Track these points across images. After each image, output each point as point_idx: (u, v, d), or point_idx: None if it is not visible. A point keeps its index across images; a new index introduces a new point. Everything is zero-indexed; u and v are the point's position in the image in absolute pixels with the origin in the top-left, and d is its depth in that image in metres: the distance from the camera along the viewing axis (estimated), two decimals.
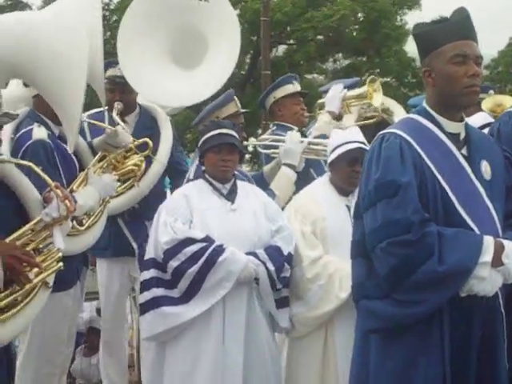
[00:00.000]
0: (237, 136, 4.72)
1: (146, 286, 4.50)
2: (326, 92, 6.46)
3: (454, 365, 3.30)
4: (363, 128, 5.23)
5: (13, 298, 3.45)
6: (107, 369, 5.96)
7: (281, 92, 6.08)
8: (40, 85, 4.37)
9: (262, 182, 5.42)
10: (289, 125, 5.89)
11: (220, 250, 4.37)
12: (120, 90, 5.67)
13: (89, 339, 7.88)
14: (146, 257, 4.56)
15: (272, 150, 5.68)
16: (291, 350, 4.76)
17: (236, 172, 4.87)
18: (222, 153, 4.61)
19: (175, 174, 5.81)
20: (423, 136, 3.39)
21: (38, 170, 3.70)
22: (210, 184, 4.65)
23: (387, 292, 3.31)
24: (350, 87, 6.08)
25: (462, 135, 3.48)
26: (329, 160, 4.72)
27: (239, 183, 4.74)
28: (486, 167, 3.45)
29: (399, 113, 5.96)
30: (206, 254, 4.35)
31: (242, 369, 4.39)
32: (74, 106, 4.10)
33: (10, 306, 3.46)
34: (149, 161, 5.46)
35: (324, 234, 4.59)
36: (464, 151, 3.44)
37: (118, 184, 5.08)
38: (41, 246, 3.66)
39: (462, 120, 3.49)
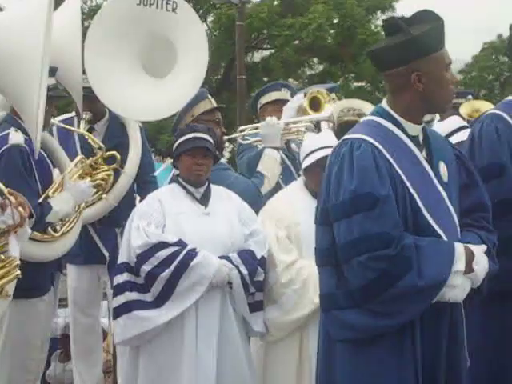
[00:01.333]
0: (211, 140, 4.70)
1: (119, 290, 4.48)
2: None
3: (425, 368, 3.29)
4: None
5: None
6: (80, 373, 5.93)
7: (266, 98, 6.18)
8: (1, 88, 4.33)
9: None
10: None
11: (193, 253, 4.36)
12: (87, 99, 5.58)
13: (63, 345, 7.83)
14: (119, 261, 4.53)
15: (253, 140, 5.72)
16: (267, 355, 4.73)
17: (223, 163, 4.90)
18: (197, 157, 4.59)
19: (141, 185, 5.79)
20: (390, 141, 3.35)
21: None
22: (184, 188, 4.64)
23: (361, 302, 3.26)
24: (329, 91, 6.10)
25: (421, 137, 3.47)
26: (303, 165, 4.71)
27: (213, 187, 4.72)
28: (443, 169, 3.44)
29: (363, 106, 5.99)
30: (179, 258, 4.33)
31: (216, 373, 4.38)
32: (30, 106, 4.06)
33: None
34: (117, 171, 5.46)
35: (298, 238, 4.58)
36: (424, 154, 3.43)
37: (95, 190, 5.08)
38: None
39: (421, 123, 3.47)
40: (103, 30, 5.81)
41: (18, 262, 3.57)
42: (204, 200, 4.63)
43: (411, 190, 3.29)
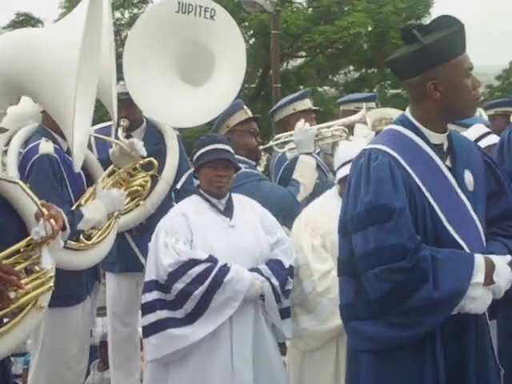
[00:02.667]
0: (232, 151, 4.66)
1: (149, 308, 4.43)
2: (342, 103, 6.47)
3: (451, 380, 3.27)
4: None
5: None
6: (118, 383, 5.96)
7: (302, 105, 6.10)
8: (40, 99, 4.40)
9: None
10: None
11: (225, 269, 4.33)
12: (125, 106, 5.64)
13: (101, 353, 7.90)
14: (147, 278, 4.48)
15: (287, 147, 5.70)
16: (303, 364, 4.73)
17: (259, 173, 4.87)
18: (218, 168, 4.54)
19: (184, 194, 5.78)
20: (409, 150, 3.33)
21: (26, 188, 3.67)
22: (206, 200, 4.59)
23: (379, 314, 3.26)
24: (366, 100, 6.07)
25: (445, 146, 3.43)
26: (338, 176, 4.70)
27: (234, 196, 4.67)
28: (469, 177, 3.40)
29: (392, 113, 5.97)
30: (212, 275, 4.30)
31: None
32: (68, 116, 4.11)
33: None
34: (155, 178, 5.48)
35: (334, 246, 4.51)
36: (448, 162, 3.40)
37: (126, 201, 5.10)
38: (33, 265, 3.62)
39: (445, 131, 3.43)
40: (142, 38, 5.88)
41: (52, 274, 3.60)
42: (228, 212, 4.58)
43: (431, 201, 3.27)
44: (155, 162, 5.46)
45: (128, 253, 5.65)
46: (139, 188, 5.34)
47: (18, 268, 3.50)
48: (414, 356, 3.27)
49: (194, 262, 4.33)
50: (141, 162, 5.38)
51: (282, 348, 4.91)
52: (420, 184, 3.27)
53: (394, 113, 6.07)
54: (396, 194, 3.21)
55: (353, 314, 3.39)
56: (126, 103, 5.65)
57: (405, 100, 23.52)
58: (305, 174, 5.34)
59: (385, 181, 3.23)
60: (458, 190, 3.35)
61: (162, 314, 4.36)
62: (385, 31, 22.62)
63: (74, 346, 4.84)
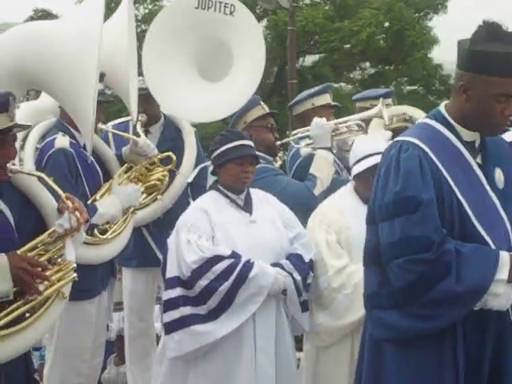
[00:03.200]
0: (253, 146, 4.67)
1: (172, 304, 4.41)
2: (358, 100, 6.45)
3: (467, 377, 3.28)
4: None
5: (24, 310, 3.44)
6: (134, 377, 5.98)
7: (321, 100, 6.05)
8: (54, 92, 4.42)
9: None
10: None
11: (249, 265, 4.33)
12: (143, 101, 5.67)
13: (118, 348, 7.93)
14: (170, 275, 4.45)
15: (306, 142, 5.67)
16: (318, 360, 4.74)
17: (275, 168, 4.93)
18: (244, 164, 4.54)
19: (196, 189, 5.80)
20: (440, 145, 3.35)
21: (49, 180, 3.70)
22: (225, 195, 4.58)
23: (402, 304, 3.29)
24: (382, 97, 6.06)
25: (477, 143, 3.44)
26: (354, 171, 4.70)
27: (252, 191, 4.67)
28: (499, 175, 3.41)
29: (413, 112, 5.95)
30: (236, 271, 4.29)
31: (275, 381, 4.39)
32: (86, 110, 4.14)
33: (22, 319, 3.46)
34: (173, 173, 5.49)
35: (349, 242, 4.57)
36: (479, 159, 3.41)
37: (143, 196, 5.11)
38: (56, 256, 3.66)
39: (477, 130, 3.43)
40: (161, 33, 5.92)
41: (74, 265, 3.63)
42: (247, 207, 4.58)
43: (459, 196, 3.28)
44: (174, 157, 5.49)
45: (145, 248, 5.67)
46: (157, 182, 5.36)
47: (41, 260, 3.54)
48: (434, 347, 3.29)
49: (217, 259, 4.32)
50: (159, 156, 5.40)
51: (298, 344, 4.92)
52: (449, 178, 3.29)
53: (411, 110, 6.06)
54: (424, 186, 3.24)
55: (376, 302, 3.43)
56: (145, 98, 5.67)
57: (421, 96, 23.51)
58: (322, 168, 5.34)
59: (414, 172, 3.26)
60: (488, 188, 3.36)
61: (186, 310, 4.35)
62: (401, 29, 22.56)
63: (89, 340, 4.86)
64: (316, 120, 5.52)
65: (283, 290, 4.42)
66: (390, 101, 6.29)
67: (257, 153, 4.72)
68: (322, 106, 6.03)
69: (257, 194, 4.69)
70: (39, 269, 3.46)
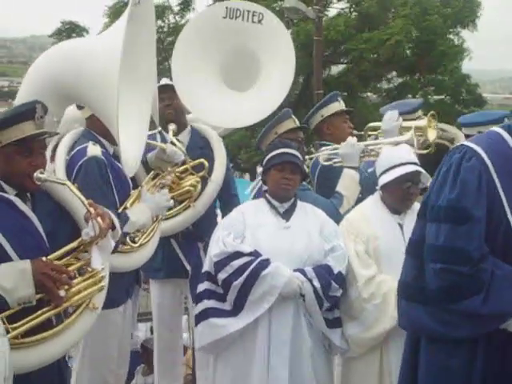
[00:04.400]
0: (300, 157, 4.77)
1: (199, 297, 4.62)
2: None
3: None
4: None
5: (48, 316, 3.44)
6: None
7: (329, 110, 6.03)
8: (90, 106, 4.48)
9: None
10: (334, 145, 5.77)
11: (265, 263, 4.43)
12: (169, 96, 5.68)
13: (144, 358, 7.94)
14: (203, 270, 4.67)
15: (334, 160, 5.64)
16: (346, 371, 4.73)
17: (304, 183, 4.97)
18: (285, 171, 4.65)
19: (225, 199, 5.82)
20: (504, 159, 3.31)
21: (74, 188, 3.72)
22: (269, 202, 4.70)
23: (429, 303, 3.31)
24: (414, 110, 6.02)
25: None
26: (381, 181, 4.69)
27: (300, 204, 4.76)
28: None
29: (451, 129, 5.91)
30: (251, 268, 4.41)
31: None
32: (114, 117, 4.18)
33: (51, 326, 3.48)
34: (204, 180, 5.50)
35: (377, 252, 4.56)
36: None
37: (172, 204, 5.11)
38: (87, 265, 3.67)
39: None
40: (189, 43, 5.94)
41: (104, 273, 3.66)
42: (286, 214, 4.67)
43: (509, 217, 3.25)
44: (206, 163, 5.49)
45: (173, 259, 5.66)
46: (191, 188, 5.37)
47: (71, 269, 3.56)
48: (455, 350, 3.30)
49: (237, 255, 4.46)
50: (191, 163, 5.41)
51: None
52: (503, 197, 3.27)
53: (454, 130, 6.05)
54: (478, 201, 3.24)
55: (406, 293, 3.48)
56: (170, 94, 5.68)
57: (448, 106, 23.38)
58: (348, 187, 5.36)
59: (471, 185, 3.26)
60: None
61: (209, 303, 4.53)
62: (431, 39, 22.46)
63: (114, 349, 4.87)
64: (349, 139, 5.54)
65: (301, 295, 4.44)
66: (420, 112, 6.26)
67: None
68: (331, 115, 6.01)
69: (305, 206, 4.78)
70: (63, 275, 3.47)
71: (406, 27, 21.89)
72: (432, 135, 5.70)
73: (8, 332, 3.30)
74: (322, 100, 6.21)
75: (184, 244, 5.68)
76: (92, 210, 3.63)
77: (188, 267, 5.64)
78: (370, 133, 6.09)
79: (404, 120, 5.84)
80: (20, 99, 4.43)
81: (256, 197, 5.23)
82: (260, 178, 5.06)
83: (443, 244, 3.26)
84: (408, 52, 23.48)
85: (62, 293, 3.44)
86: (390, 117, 5.52)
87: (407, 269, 3.52)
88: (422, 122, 5.76)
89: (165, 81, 5.77)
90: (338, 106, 6.08)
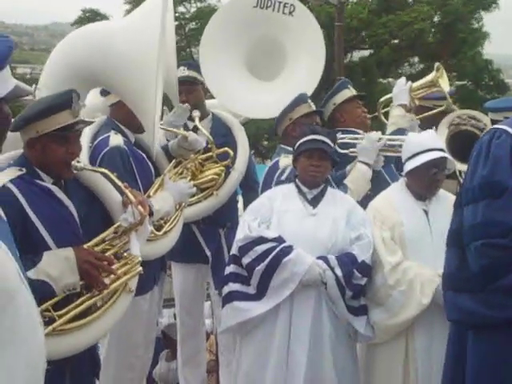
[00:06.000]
0: (330, 143, 4.74)
1: (225, 280, 4.64)
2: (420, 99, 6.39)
3: None
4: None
5: (92, 303, 3.52)
6: (185, 374, 6.00)
7: (340, 98, 5.97)
8: (118, 90, 4.48)
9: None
10: (353, 129, 5.76)
11: (287, 250, 4.42)
12: (186, 90, 5.63)
13: (166, 344, 7.98)
14: (231, 253, 4.70)
15: (350, 149, 5.58)
16: (371, 357, 4.72)
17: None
18: (313, 158, 4.64)
19: (246, 186, 5.82)
20: None
21: (113, 176, 3.76)
22: (298, 188, 4.70)
23: (475, 289, 3.29)
24: (444, 96, 6.02)
25: None
26: (407, 167, 4.65)
27: (330, 190, 4.75)
28: None
29: (484, 118, 5.89)
30: (273, 254, 4.42)
31: (305, 370, 4.40)
32: (148, 106, 4.19)
33: (91, 311, 3.54)
34: (226, 168, 5.49)
35: (402, 239, 4.54)
36: None
37: (195, 191, 5.11)
38: (122, 251, 3.72)
39: None
40: (218, 30, 5.98)
41: (140, 259, 3.71)
42: (314, 201, 4.66)
43: None
44: (231, 152, 5.48)
45: (194, 244, 5.66)
46: (215, 177, 5.37)
47: (107, 254, 3.63)
48: (506, 337, 3.27)
49: (262, 240, 4.48)
50: (216, 152, 5.41)
51: None
52: None
53: (482, 116, 6.03)
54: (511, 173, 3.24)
55: (452, 284, 3.47)
56: (188, 88, 5.66)
57: (470, 92, 23.25)
58: (356, 181, 5.30)
59: (503, 159, 3.28)
60: None
61: (234, 286, 4.56)
62: (452, 23, 22.31)
63: (141, 335, 4.89)
64: (371, 134, 5.49)
65: (323, 282, 4.43)
66: (449, 100, 6.24)
67: None
68: (342, 102, 5.96)
69: (334, 193, 4.78)
70: (105, 263, 3.55)
71: (428, 12, 21.78)
72: (445, 85, 5.81)
73: (54, 320, 3.39)
74: (332, 89, 6.19)
75: (205, 230, 5.68)
76: (132, 197, 3.66)
77: (208, 253, 5.64)
78: (383, 111, 6.13)
79: (434, 106, 5.85)
80: (44, 84, 4.45)
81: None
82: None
83: (482, 220, 3.27)
84: (430, 37, 23.35)
85: (106, 280, 3.53)
86: (370, 136, 5.44)
87: (449, 260, 3.52)
88: (431, 76, 5.86)
89: (182, 71, 5.72)
90: (349, 92, 6.03)
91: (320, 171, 4.65)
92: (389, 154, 5.52)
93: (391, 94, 5.96)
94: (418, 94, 5.95)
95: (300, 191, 4.68)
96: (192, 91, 5.69)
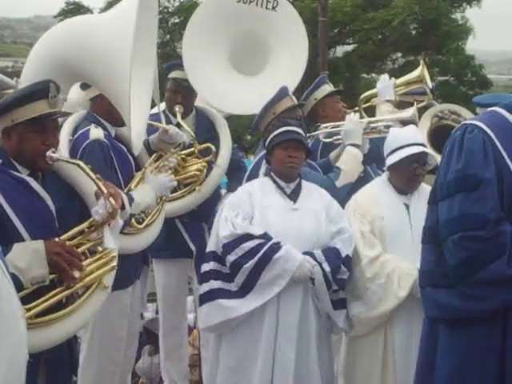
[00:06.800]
0: (304, 134, 4.75)
1: (204, 278, 4.59)
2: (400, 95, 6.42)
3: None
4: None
5: (62, 296, 3.48)
6: (167, 368, 6.02)
7: (321, 92, 6.06)
8: (99, 83, 4.47)
9: (329, 168, 5.38)
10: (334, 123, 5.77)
11: (276, 247, 4.40)
12: (184, 93, 5.70)
13: (148, 338, 7.97)
14: (208, 249, 4.64)
15: (334, 137, 5.64)
16: (350, 349, 4.75)
17: (305, 164, 4.94)
18: (289, 149, 4.63)
19: (233, 169, 5.82)
20: (506, 133, 3.35)
21: (86, 168, 3.73)
22: (275, 182, 4.68)
23: (454, 283, 3.31)
24: (418, 93, 6.04)
25: None
26: (388, 162, 4.68)
27: (304, 183, 4.75)
28: None
29: (466, 113, 5.92)
30: (263, 251, 4.39)
31: (294, 366, 4.41)
32: (123, 97, 4.18)
33: (65, 306, 3.51)
34: (209, 164, 5.50)
35: (382, 232, 4.57)
36: None
37: (176, 185, 5.11)
38: (98, 245, 3.69)
39: None
40: (201, 25, 5.96)
41: (115, 253, 3.67)
42: (293, 195, 4.66)
43: None
44: (213, 148, 5.50)
45: (178, 239, 5.67)
46: (197, 172, 5.38)
47: (81, 249, 3.59)
48: (483, 331, 3.29)
49: (248, 237, 4.43)
50: (198, 147, 5.41)
51: None
52: (510, 164, 3.29)
53: (457, 109, 6.06)
54: (486, 165, 3.27)
55: (430, 280, 3.49)
56: (185, 89, 5.69)
57: (453, 87, 23.33)
58: (348, 162, 5.29)
59: (477, 152, 3.30)
60: None
61: (216, 284, 4.51)
62: (435, 18, 22.36)
63: (123, 330, 4.89)
64: (351, 116, 5.52)
65: (311, 278, 4.44)
66: (430, 96, 6.27)
67: None
68: (324, 97, 6.05)
69: (310, 187, 4.76)
70: (74, 258, 3.49)
71: (409, 6, 21.80)
72: (428, 81, 5.86)
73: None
74: (312, 84, 6.22)
75: (188, 224, 5.70)
76: (104, 189, 3.64)
77: (193, 248, 5.66)
78: (363, 105, 6.15)
79: (415, 101, 5.87)
80: (25, 78, 4.45)
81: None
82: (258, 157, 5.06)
83: (458, 213, 3.29)
84: (413, 32, 23.39)
85: (76, 274, 3.48)
86: (351, 118, 5.48)
87: (426, 257, 3.54)
88: (417, 71, 5.88)
89: (182, 74, 5.75)
90: (328, 87, 6.15)
91: (296, 162, 4.65)
92: (373, 135, 5.56)
93: (373, 90, 5.99)
94: (399, 90, 5.98)
95: (278, 185, 4.67)
96: (188, 95, 5.71)
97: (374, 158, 5.55)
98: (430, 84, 5.95)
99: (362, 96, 6.21)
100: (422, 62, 5.98)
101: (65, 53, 4.41)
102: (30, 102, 3.51)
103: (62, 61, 4.43)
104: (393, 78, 5.91)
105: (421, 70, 5.93)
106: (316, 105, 6.04)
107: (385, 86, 5.92)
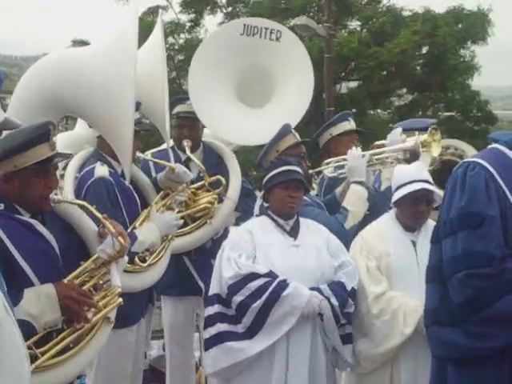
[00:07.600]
0: (302, 173, 4.73)
1: (210, 321, 4.51)
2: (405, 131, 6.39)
3: None
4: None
5: (73, 338, 3.48)
6: None
7: (338, 129, 6.05)
8: (91, 119, 4.48)
9: (336, 205, 5.37)
10: None
11: (284, 284, 4.37)
12: (189, 126, 5.73)
13: (152, 377, 7.91)
14: (211, 292, 4.57)
15: (338, 171, 5.62)
16: None
17: (306, 199, 4.91)
18: (290, 189, 4.61)
19: (242, 195, 5.77)
20: (508, 170, 3.35)
21: (91, 208, 3.74)
22: (273, 220, 4.65)
23: (459, 321, 3.29)
24: (427, 127, 6.02)
25: None
26: (394, 198, 4.68)
27: (302, 220, 4.72)
28: None
29: (462, 146, 5.90)
30: (270, 289, 4.34)
31: None
32: (124, 138, 4.18)
33: (72, 345, 3.50)
34: (220, 197, 5.49)
35: (389, 269, 4.56)
36: None
37: (181, 223, 5.10)
38: (101, 282, 3.69)
39: None
40: (206, 58, 5.99)
41: (120, 290, 3.67)
42: (293, 232, 4.63)
43: None
44: (223, 181, 5.50)
45: (186, 276, 5.65)
46: (208, 205, 5.37)
47: (86, 287, 3.60)
48: (492, 369, 3.26)
49: (253, 276, 4.38)
50: (208, 180, 5.40)
51: None
52: None
53: (464, 145, 6.03)
54: (489, 202, 3.27)
55: (434, 319, 3.46)
56: (190, 122, 5.71)
57: (458, 123, 23.33)
58: (354, 202, 5.28)
59: (479, 190, 3.30)
60: None
61: (222, 327, 4.43)
62: (441, 54, 22.42)
63: (128, 367, 4.87)
64: (352, 151, 5.47)
65: (319, 314, 4.41)
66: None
67: None
68: (339, 134, 6.02)
69: (307, 222, 4.74)
70: (88, 299, 3.51)
71: (413, 39, 21.88)
72: (436, 150, 5.63)
73: (37, 357, 3.34)
74: (331, 118, 6.21)
75: (197, 261, 5.68)
76: (112, 228, 3.63)
77: (202, 285, 5.62)
78: (326, 167, 5.97)
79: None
80: (12, 113, 4.40)
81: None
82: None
83: (463, 251, 3.27)
84: (418, 69, 23.45)
85: (89, 315, 3.49)
86: (353, 154, 5.44)
87: (430, 296, 3.51)
88: (424, 136, 5.68)
89: (188, 106, 5.76)
90: (348, 125, 6.11)
91: (297, 202, 4.64)
92: (377, 167, 5.56)
93: (384, 141, 5.81)
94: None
95: (277, 223, 4.64)
96: (194, 127, 5.73)
97: None
98: (436, 152, 5.77)
99: (375, 143, 6.11)
100: (430, 128, 5.80)
101: (55, 87, 4.40)
102: (33, 146, 3.48)
103: (52, 95, 4.42)
104: (366, 155, 5.52)
105: (427, 136, 5.72)
106: (330, 140, 6.03)
107: (395, 141, 5.61)
